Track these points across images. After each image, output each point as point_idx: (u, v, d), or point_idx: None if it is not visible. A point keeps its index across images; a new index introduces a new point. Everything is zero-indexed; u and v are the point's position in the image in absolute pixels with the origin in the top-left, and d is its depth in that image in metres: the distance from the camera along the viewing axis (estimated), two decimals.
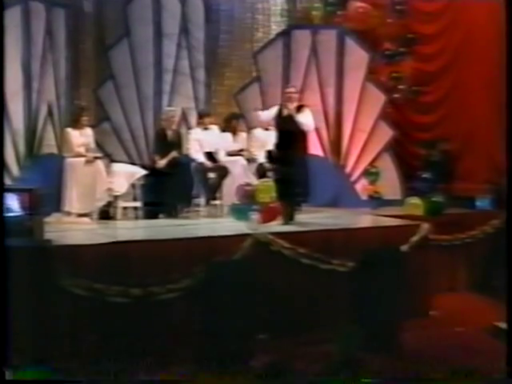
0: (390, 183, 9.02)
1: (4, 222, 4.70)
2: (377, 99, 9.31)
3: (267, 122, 7.37)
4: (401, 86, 9.77)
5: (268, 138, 7.85)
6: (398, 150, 9.45)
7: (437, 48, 9.69)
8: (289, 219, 6.64)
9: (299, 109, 6.78)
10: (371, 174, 8.85)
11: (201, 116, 8.28)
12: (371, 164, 9.18)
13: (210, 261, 5.40)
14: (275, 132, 6.99)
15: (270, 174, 7.35)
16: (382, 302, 5.65)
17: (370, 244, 6.15)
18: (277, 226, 6.33)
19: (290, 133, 6.67)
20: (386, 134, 9.34)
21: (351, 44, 9.40)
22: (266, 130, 8.17)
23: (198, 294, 5.28)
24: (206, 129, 8.09)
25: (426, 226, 6.68)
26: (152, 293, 5.21)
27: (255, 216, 6.16)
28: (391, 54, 9.77)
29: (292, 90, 6.98)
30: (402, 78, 9.75)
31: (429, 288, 6.62)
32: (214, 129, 8.14)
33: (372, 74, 9.48)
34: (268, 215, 6.27)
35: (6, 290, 4.37)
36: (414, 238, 6.52)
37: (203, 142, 8.03)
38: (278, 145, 6.81)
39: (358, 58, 9.33)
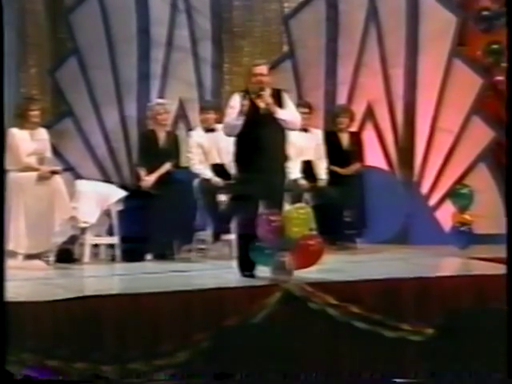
0: (489, 210, 8.98)
1: None
2: (469, 84, 9.32)
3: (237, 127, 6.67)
4: (505, 64, 9.77)
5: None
6: (501, 159, 9.41)
7: None
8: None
9: (277, 97, 6.61)
10: (460, 195, 8.82)
11: (204, 110, 8.37)
12: (460, 181, 9.17)
13: (219, 325, 5.44)
14: (242, 136, 6.62)
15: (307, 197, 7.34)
16: None
17: (457, 301, 6.14)
18: (318, 273, 6.35)
19: (271, 136, 6.54)
20: (482, 135, 9.33)
21: (430, 2, 9.45)
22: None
23: (199, 374, 5.32)
24: (211, 130, 8.18)
25: None
26: (132, 371, 5.25)
27: (285, 258, 6.19)
28: (490, 16, 9.78)
29: (263, 68, 6.65)
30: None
31: None
32: None
33: (462, 47, 9.49)
34: (305, 257, 6.29)
35: None
36: None
37: (210, 148, 8.14)
38: (255, 154, 6.52)
39: (440, 22, 9.37)
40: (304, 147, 8.43)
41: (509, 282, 5.71)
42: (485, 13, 9.75)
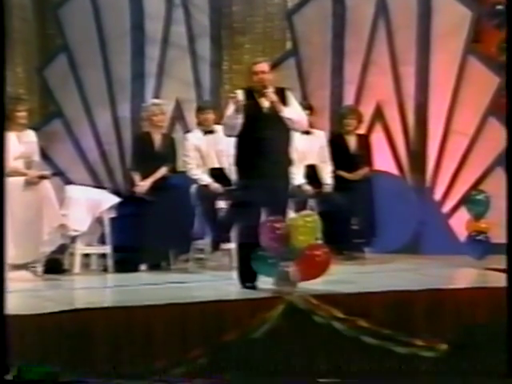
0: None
1: None
2: (485, 83, 9.31)
3: (236, 126, 6.62)
4: None
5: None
6: None
7: None
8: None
9: (281, 96, 6.56)
10: (476, 202, 8.81)
11: (201, 111, 8.35)
12: (476, 187, 9.16)
13: (218, 339, 5.43)
14: (243, 138, 6.59)
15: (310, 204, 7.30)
16: None
17: (473, 315, 6.14)
18: (324, 284, 6.34)
19: (274, 138, 6.43)
20: (499, 137, 9.24)
21: None
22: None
23: None
24: (209, 132, 8.18)
25: None
26: None
27: (290, 269, 6.18)
28: (504, 11, 9.76)
29: (264, 66, 6.63)
30: None
31: None
32: None
33: (477, 43, 9.48)
34: (310, 268, 6.29)
35: None
36: None
37: (208, 152, 8.16)
38: (257, 157, 6.43)
39: (454, 17, 9.37)
40: (307, 151, 8.42)
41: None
42: (499, 7, 9.73)
